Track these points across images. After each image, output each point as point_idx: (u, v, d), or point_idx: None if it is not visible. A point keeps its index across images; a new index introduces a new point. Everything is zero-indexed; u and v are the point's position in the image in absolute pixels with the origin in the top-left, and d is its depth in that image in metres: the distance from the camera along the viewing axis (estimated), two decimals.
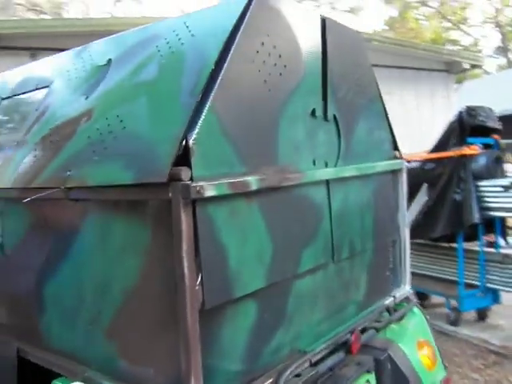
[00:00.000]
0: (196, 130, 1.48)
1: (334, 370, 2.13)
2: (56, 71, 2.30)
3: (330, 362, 2.01)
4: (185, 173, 1.44)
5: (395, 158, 2.65)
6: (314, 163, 2.02)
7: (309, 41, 2.01)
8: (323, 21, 2.11)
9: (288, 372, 1.79)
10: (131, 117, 1.68)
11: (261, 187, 1.68)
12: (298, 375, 1.85)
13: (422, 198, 2.66)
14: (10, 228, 2.11)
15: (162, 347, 1.56)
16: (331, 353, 2.06)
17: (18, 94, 2.45)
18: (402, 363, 2.32)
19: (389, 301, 2.52)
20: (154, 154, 1.52)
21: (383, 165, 2.49)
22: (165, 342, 1.55)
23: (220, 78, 1.57)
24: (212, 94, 1.54)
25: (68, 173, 1.73)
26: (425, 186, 2.71)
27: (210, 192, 1.47)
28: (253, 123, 1.71)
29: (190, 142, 1.45)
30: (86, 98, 1.93)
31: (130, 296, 1.64)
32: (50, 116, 2.08)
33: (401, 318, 2.63)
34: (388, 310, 2.46)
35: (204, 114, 1.51)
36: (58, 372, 1.87)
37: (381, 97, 2.54)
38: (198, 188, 1.44)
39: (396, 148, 2.68)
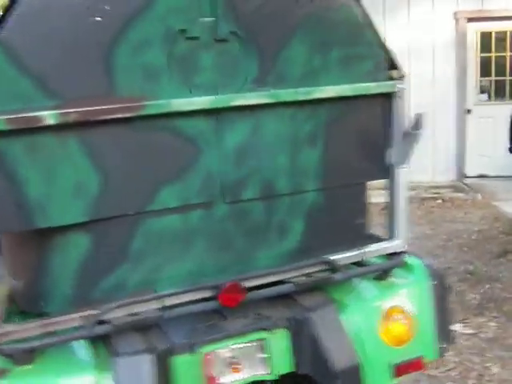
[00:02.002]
0: None
1: (226, 319, 1.94)
2: None
3: (187, 308, 1.83)
4: None
5: (389, 79, 2.04)
6: (191, 91, 1.77)
7: None
8: None
9: (112, 305, 1.72)
10: None
11: (66, 121, 1.59)
12: (135, 314, 1.76)
13: (414, 131, 2.01)
14: None
15: None
16: (203, 300, 1.86)
17: None
18: (326, 329, 1.94)
19: (346, 255, 2.08)
20: None
21: (344, 88, 1.96)
22: None
23: (17, 11, 1.52)
24: (3, 28, 1.51)
25: None
26: (418, 115, 2.02)
27: None
28: (69, 55, 1.60)
29: None
30: None
31: None
32: None
33: (379, 277, 2.17)
34: (334, 265, 2.03)
35: None
36: None
37: (357, 1, 1.95)
38: None
39: (393, 67, 2.05)
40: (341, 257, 2.06)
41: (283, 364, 1.94)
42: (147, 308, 1.80)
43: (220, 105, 1.80)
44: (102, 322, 1.73)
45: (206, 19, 1.76)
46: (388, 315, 2.06)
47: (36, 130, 1.58)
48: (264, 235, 1.99)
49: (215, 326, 1.91)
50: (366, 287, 2.17)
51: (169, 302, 1.82)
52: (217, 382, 1.83)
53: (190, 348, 1.82)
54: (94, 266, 1.77)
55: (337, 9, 1.93)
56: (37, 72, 1.56)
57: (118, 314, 1.76)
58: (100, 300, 1.77)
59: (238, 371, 1.87)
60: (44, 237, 1.72)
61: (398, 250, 2.16)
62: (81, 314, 1.73)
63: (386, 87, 2.03)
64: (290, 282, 1.98)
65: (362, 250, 2.11)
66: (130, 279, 1.82)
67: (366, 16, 1.98)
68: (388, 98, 2.06)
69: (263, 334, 1.91)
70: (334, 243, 2.09)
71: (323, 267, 2.04)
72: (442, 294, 2.21)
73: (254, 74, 1.84)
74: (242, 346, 1.89)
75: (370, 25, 1.99)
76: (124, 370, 1.72)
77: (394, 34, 7.03)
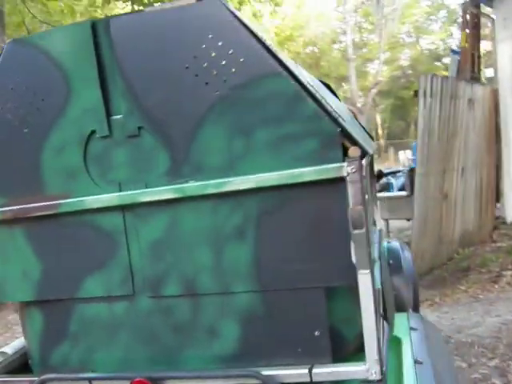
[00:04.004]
0: None
1: None
2: None
3: None
4: None
5: (344, 159, 1.63)
6: (104, 188, 1.83)
7: (73, 57, 1.80)
8: (94, 25, 1.76)
9: (35, 379, 1.84)
10: None
11: (7, 217, 1.89)
12: None
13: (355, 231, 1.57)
14: None
15: None
16: None
17: None
18: None
19: (286, 372, 1.66)
20: None
21: (268, 177, 1.63)
22: None
23: None
24: None
25: None
26: (357, 212, 1.57)
27: None
28: (8, 162, 1.90)
29: None
30: None
31: None
32: None
33: None
34: (264, 381, 1.63)
35: None
36: None
37: (287, 73, 1.65)
38: None
39: (354, 143, 1.65)
40: (278, 373, 1.69)
41: None
42: None
43: (126, 201, 1.80)
44: None
45: (115, 117, 1.81)
46: None
47: None
48: (192, 335, 1.85)
49: None
50: None
51: None
52: None
53: None
54: (47, 340, 2.00)
55: (257, 84, 1.66)
56: None
57: None
58: (52, 370, 1.95)
59: None
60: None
61: (366, 378, 1.64)
62: (19, 379, 1.98)
63: (327, 172, 1.61)
64: None
65: (306, 370, 1.67)
66: (72, 356, 1.98)
67: (301, 86, 1.65)
68: (337, 183, 1.64)
69: None
70: (276, 356, 1.77)
71: (253, 381, 1.69)
72: None
73: (166, 166, 1.77)
74: None
75: (307, 96, 1.64)
76: None
77: None
